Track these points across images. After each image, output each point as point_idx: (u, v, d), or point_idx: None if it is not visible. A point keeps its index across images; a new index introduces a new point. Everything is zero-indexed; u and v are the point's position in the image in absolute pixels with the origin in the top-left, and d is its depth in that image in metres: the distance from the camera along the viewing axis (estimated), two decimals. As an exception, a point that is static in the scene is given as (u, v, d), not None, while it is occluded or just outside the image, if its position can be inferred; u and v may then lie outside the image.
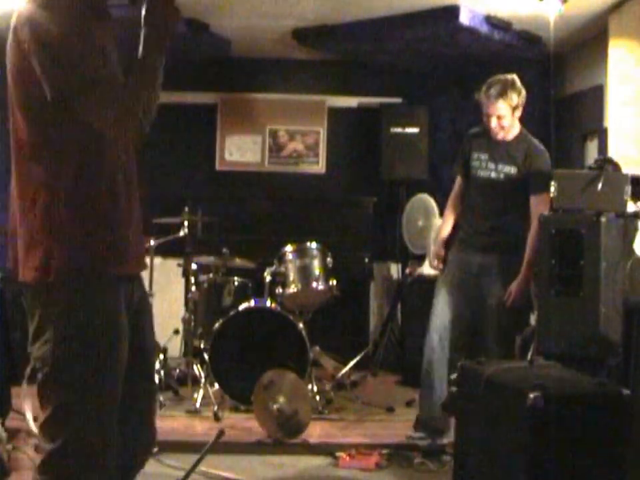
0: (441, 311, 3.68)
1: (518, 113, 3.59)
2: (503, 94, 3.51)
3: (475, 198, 3.71)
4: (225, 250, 4.59)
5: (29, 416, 3.57)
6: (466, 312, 3.67)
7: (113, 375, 1.83)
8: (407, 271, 5.49)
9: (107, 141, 1.79)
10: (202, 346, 4.46)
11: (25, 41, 1.70)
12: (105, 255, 1.80)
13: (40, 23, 1.70)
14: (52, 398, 1.79)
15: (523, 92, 3.57)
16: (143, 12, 1.80)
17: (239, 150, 6.08)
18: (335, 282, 4.38)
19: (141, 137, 1.76)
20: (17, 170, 1.81)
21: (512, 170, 3.60)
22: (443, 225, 3.86)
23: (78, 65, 1.69)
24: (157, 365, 4.51)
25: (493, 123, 3.56)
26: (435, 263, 3.81)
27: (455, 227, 3.82)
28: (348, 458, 3.44)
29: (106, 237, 1.80)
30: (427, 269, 5.31)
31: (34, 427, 3.59)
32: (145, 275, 4.51)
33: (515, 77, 3.58)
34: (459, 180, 3.84)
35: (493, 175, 3.64)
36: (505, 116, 3.55)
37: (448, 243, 3.79)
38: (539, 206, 3.54)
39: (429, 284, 5.11)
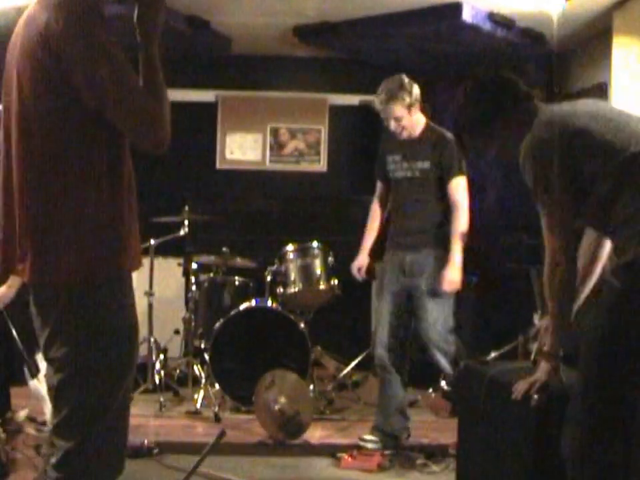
0: (384, 322, 3.70)
1: (415, 109, 3.63)
2: (392, 97, 3.57)
3: (398, 199, 3.77)
4: (225, 249, 4.58)
5: (23, 415, 3.56)
6: (403, 312, 3.72)
7: (131, 375, 1.87)
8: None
9: (126, 145, 1.83)
10: (202, 346, 4.45)
11: (64, 51, 1.71)
12: (122, 254, 1.82)
13: (81, 33, 1.72)
14: (70, 399, 1.81)
15: (415, 88, 3.62)
16: (136, 12, 1.83)
17: (240, 148, 6.07)
18: (336, 281, 4.36)
19: (164, 147, 1.80)
20: (31, 175, 1.80)
21: (425, 164, 3.65)
22: (367, 233, 3.90)
23: (123, 77, 1.73)
24: (157, 366, 4.49)
25: (392, 125, 3.63)
26: (356, 271, 3.86)
27: (384, 232, 3.88)
28: (350, 459, 3.43)
29: (123, 236, 1.82)
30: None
31: (31, 429, 3.59)
32: (145, 274, 4.52)
33: (402, 76, 3.62)
34: (379, 185, 3.89)
35: (409, 173, 3.69)
36: (402, 116, 3.60)
37: (373, 251, 3.88)
38: (455, 190, 3.62)
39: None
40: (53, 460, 1.82)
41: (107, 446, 1.83)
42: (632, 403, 2.09)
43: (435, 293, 3.58)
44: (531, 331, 4.32)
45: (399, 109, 3.57)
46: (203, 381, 4.32)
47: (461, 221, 3.60)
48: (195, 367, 4.54)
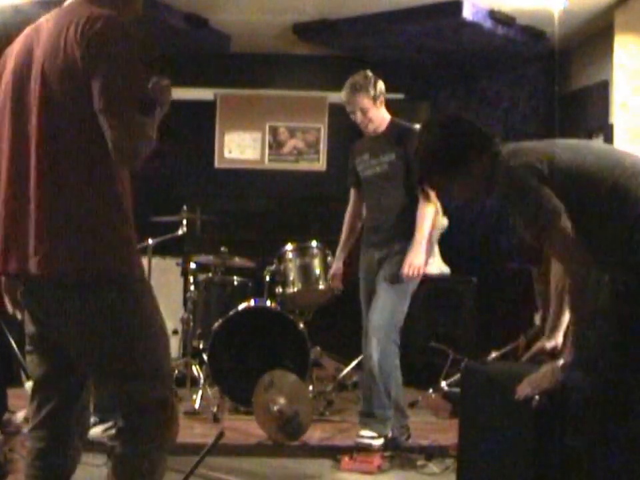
0: (365, 329, 3.71)
1: (380, 103, 3.68)
2: (358, 88, 3.62)
3: (371, 198, 3.77)
4: (224, 249, 4.56)
5: (21, 416, 3.54)
6: None
7: (169, 357, 2.02)
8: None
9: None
10: (201, 346, 4.43)
11: (89, 47, 1.82)
12: (132, 252, 1.95)
13: (111, 36, 1.84)
14: (113, 387, 1.95)
15: (380, 84, 3.66)
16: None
17: (239, 147, 6.05)
18: (335, 281, 4.33)
19: (136, 167, 1.90)
20: (50, 174, 1.88)
21: (391, 157, 3.66)
22: (341, 243, 3.91)
23: (134, 83, 1.86)
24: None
25: (359, 117, 3.66)
26: (332, 282, 3.98)
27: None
28: (349, 460, 3.40)
29: (131, 235, 1.94)
30: (430, 268, 5.26)
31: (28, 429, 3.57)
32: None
33: (367, 71, 3.68)
34: (352, 193, 3.91)
35: (378, 168, 3.70)
36: (368, 108, 3.63)
37: (346, 263, 3.92)
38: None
39: (430, 283, 5.07)
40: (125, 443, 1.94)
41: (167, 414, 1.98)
42: None
43: (392, 279, 3.56)
44: (531, 331, 4.32)
45: (364, 101, 3.61)
46: (202, 381, 4.30)
47: (427, 211, 3.56)
48: (194, 368, 4.52)
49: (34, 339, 2.06)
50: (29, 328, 2.07)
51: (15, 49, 2.01)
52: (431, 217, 3.58)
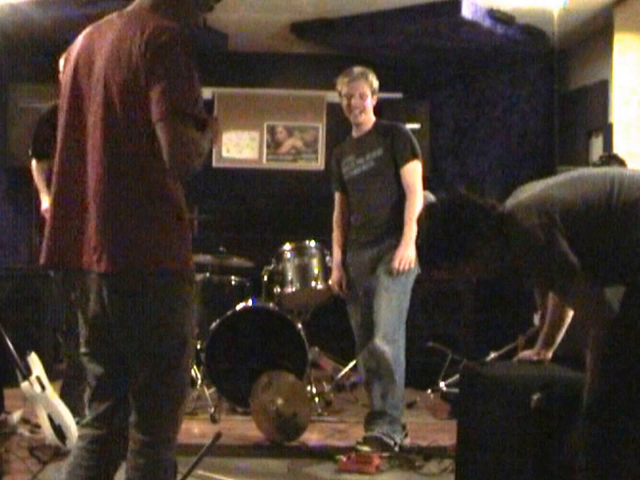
0: (356, 336, 3.72)
1: (374, 99, 3.68)
2: (361, 74, 3.63)
3: (358, 197, 3.70)
4: (221, 248, 4.55)
5: (17, 417, 3.52)
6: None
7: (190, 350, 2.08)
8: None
9: None
10: (198, 347, 4.40)
11: (152, 59, 1.88)
12: (186, 251, 2.02)
13: (174, 50, 1.90)
14: (165, 379, 1.99)
15: (377, 81, 3.69)
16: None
17: (236, 146, 6.04)
18: (334, 281, 4.32)
19: (188, 177, 1.99)
20: (109, 173, 1.95)
21: (378, 152, 3.63)
22: (337, 248, 3.80)
23: (192, 97, 1.91)
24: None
25: (355, 102, 3.62)
26: (337, 289, 3.81)
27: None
28: (347, 461, 3.38)
29: (186, 235, 2.02)
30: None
31: (25, 430, 3.55)
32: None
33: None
34: (337, 197, 3.84)
35: (364, 166, 3.67)
36: (367, 96, 3.62)
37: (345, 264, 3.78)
38: (409, 174, 3.59)
39: (429, 283, 5.06)
40: (146, 437, 1.99)
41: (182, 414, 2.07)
42: None
43: (390, 272, 3.52)
44: (530, 331, 4.30)
45: (365, 87, 3.62)
46: (199, 382, 4.28)
47: (416, 205, 3.52)
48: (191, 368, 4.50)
49: (89, 341, 2.09)
50: (83, 331, 2.09)
51: (76, 49, 2.05)
52: (419, 209, 3.50)
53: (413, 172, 3.61)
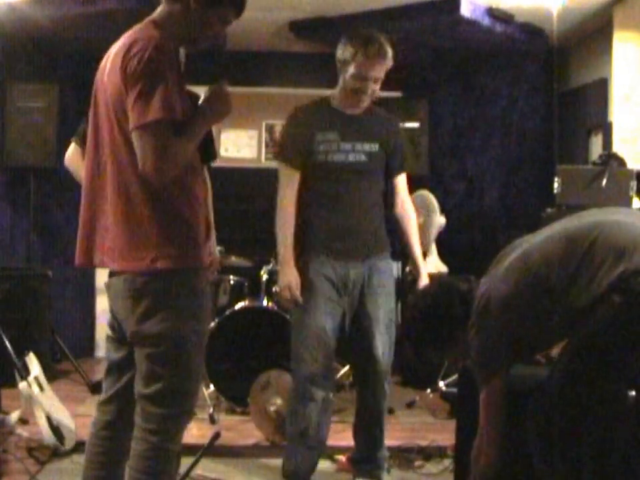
0: (312, 355, 2.95)
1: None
2: (386, 53, 2.85)
3: (336, 194, 2.92)
4: (220, 248, 4.53)
5: (15, 417, 3.52)
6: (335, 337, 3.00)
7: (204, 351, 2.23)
8: (407, 269, 5.41)
9: (195, 159, 2.16)
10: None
11: (134, 68, 1.98)
12: (199, 249, 2.12)
13: (142, 59, 1.97)
14: (165, 371, 2.09)
15: None
16: (203, 97, 2.19)
17: (235, 145, 6.04)
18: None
19: (163, 183, 2.04)
20: (130, 179, 2.06)
21: (374, 147, 2.95)
22: (290, 245, 2.92)
23: (166, 105, 1.99)
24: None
25: (369, 86, 2.86)
26: (288, 294, 2.90)
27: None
28: (347, 460, 3.37)
29: (199, 234, 2.12)
30: (428, 267, 5.23)
31: (23, 430, 3.54)
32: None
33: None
34: (293, 175, 2.93)
35: (351, 157, 2.91)
36: (380, 80, 2.89)
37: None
38: (404, 188, 3.11)
39: (430, 282, 5.05)
40: (149, 426, 2.09)
41: (191, 410, 2.20)
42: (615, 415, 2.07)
43: (390, 303, 3.06)
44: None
45: (384, 69, 2.87)
46: (198, 381, 4.27)
47: (416, 222, 3.13)
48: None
49: (113, 326, 2.25)
50: (110, 316, 2.26)
51: (102, 64, 2.18)
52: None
53: (406, 182, 3.12)
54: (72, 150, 3.39)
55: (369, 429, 3.11)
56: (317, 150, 2.91)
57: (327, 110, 2.96)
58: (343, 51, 2.89)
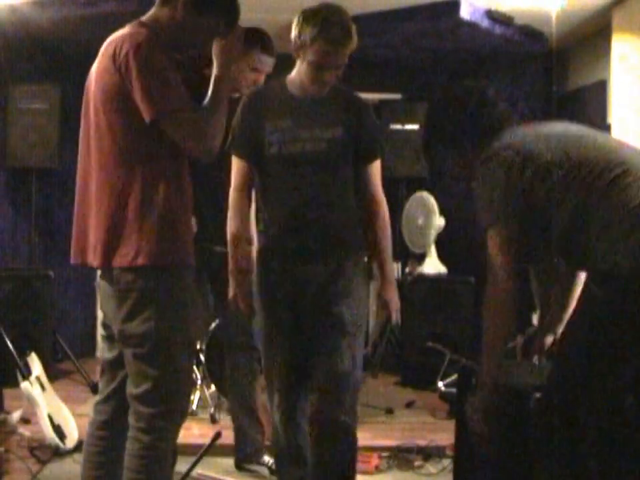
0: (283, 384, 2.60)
1: None
2: (351, 35, 2.43)
3: (287, 185, 2.50)
4: (221, 249, 4.52)
5: (17, 416, 3.53)
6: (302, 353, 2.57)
7: (193, 347, 2.26)
8: (407, 270, 5.43)
9: (184, 155, 2.14)
10: (198, 347, 4.40)
11: (128, 66, 2.00)
12: (183, 247, 2.13)
13: (147, 52, 2.00)
14: (152, 371, 2.10)
15: None
16: (219, 44, 2.13)
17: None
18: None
19: (213, 156, 2.11)
20: (107, 178, 2.10)
21: (336, 132, 2.49)
22: (241, 245, 2.58)
23: (174, 93, 2.02)
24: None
25: (327, 76, 2.46)
26: (241, 304, 2.57)
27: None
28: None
29: (183, 232, 2.13)
30: (427, 268, 5.26)
31: (24, 430, 3.56)
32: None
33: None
34: (242, 167, 2.55)
35: (309, 146, 2.48)
36: (342, 66, 2.48)
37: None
38: (376, 178, 2.58)
39: (429, 283, 5.07)
40: (141, 425, 2.11)
41: (185, 409, 2.22)
42: (610, 416, 2.07)
43: (358, 327, 2.54)
44: (529, 331, 4.30)
45: (347, 54, 2.46)
46: (199, 382, 4.28)
47: (388, 222, 2.60)
48: (191, 368, 4.50)
49: (105, 325, 2.27)
50: (102, 315, 2.29)
51: (92, 68, 2.20)
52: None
53: (379, 173, 2.59)
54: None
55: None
56: (268, 140, 2.49)
57: (279, 94, 2.54)
58: (299, 32, 2.43)
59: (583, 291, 2.21)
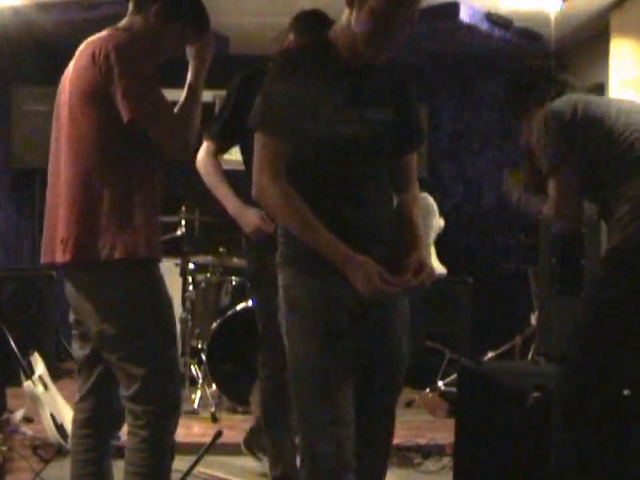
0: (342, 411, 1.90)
1: None
2: None
3: (338, 177, 1.93)
4: (222, 249, 4.55)
5: (20, 416, 3.54)
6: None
7: (176, 342, 2.21)
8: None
9: (158, 154, 2.17)
10: (199, 346, 4.43)
11: (109, 66, 2.03)
12: (149, 242, 2.12)
13: (127, 53, 2.05)
14: (138, 370, 2.10)
15: None
16: (193, 49, 2.19)
17: (237, 148, 6.03)
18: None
19: (188, 155, 2.21)
20: (77, 174, 2.11)
21: (387, 115, 1.97)
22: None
23: (153, 93, 2.07)
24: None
25: (393, 35, 1.90)
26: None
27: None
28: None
29: (152, 228, 2.14)
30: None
31: (27, 429, 3.58)
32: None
33: None
34: (275, 150, 1.90)
35: (363, 130, 1.93)
36: (410, 26, 1.91)
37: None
38: (415, 167, 2.09)
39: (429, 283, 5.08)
40: (138, 422, 2.11)
41: (178, 405, 2.20)
42: (612, 394, 2.10)
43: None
44: (528, 331, 4.33)
45: (417, 11, 1.89)
46: (200, 381, 4.30)
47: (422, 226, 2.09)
48: (192, 368, 4.52)
49: (75, 324, 2.26)
50: (71, 314, 2.26)
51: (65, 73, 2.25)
52: None
53: (415, 161, 2.09)
54: (205, 149, 3.17)
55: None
56: (316, 118, 1.90)
57: (328, 59, 1.95)
58: None
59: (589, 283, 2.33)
